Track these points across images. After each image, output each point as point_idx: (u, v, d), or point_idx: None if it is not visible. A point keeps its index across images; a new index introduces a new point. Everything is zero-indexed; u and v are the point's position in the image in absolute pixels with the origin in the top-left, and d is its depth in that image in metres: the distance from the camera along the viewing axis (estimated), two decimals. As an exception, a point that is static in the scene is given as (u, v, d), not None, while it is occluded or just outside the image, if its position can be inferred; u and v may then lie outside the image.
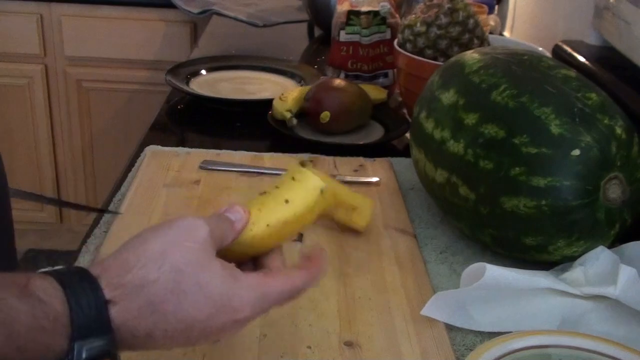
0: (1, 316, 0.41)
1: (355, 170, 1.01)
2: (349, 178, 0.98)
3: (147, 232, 0.50)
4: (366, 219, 0.82)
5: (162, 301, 0.46)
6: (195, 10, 1.99)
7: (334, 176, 0.97)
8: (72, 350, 0.43)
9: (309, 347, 0.64)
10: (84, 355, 0.44)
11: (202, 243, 0.49)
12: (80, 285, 0.45)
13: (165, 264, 0.47)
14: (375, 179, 0.98)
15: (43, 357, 0.43)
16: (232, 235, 0.53)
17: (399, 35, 1.17)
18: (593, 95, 0.74)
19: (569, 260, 0.74)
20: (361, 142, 1.11)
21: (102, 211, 0.80)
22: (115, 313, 0.45)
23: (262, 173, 0.97)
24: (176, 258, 0.47)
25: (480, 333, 0.68)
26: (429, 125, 0.83)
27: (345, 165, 1.02)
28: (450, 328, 0.69)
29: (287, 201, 0.55)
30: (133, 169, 0.97)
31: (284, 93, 1.18)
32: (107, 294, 0.45)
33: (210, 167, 0.96)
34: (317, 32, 1.86)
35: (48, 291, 0.44)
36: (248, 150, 1.05)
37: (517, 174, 0.72)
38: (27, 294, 0.43)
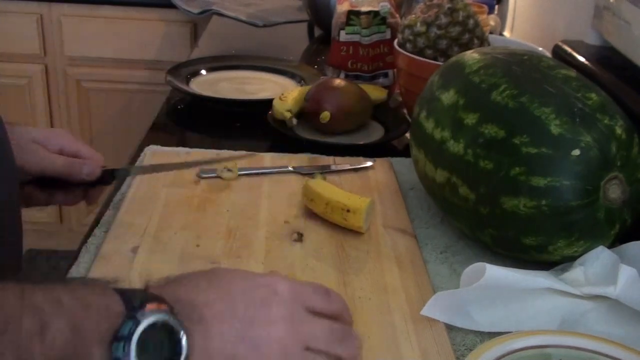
0: (68, 287, 0.48)
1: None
2: (343, 166, 1.01)
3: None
4: (361, 220, 0.82)
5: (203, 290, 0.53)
6: (195, 10, 1.99)
7: (328, 166, 1.00)
8: (129, 302, 0.49)
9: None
10: (140, 299, 0.49)
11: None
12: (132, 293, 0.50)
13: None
14: (369, 163, 1.00)
15: (109, 315, 0.48)
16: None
17: (399, 35, 1.17)
18: (593, 95, 0.74)
19: (569, 260, 0.74)
20: (361, 142, 1.11)
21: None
22: (154, 289, 0.52)
23: (262, 173, 0.97)
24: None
25: (480, 333, 0.68)
26: (429, 125, 0.83)
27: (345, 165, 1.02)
28: (450, 328, 0.69)
29: None
30: (133, 169, 0.97)
31: (284, 93, 1.18)
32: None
33: (205, 176, 0.95)
34: (317, 32, 1.86)
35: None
36: (248, 151, 1.05)
37: (517, 174, 0.72)
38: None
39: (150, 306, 0.48)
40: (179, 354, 0.48)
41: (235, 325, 0.52)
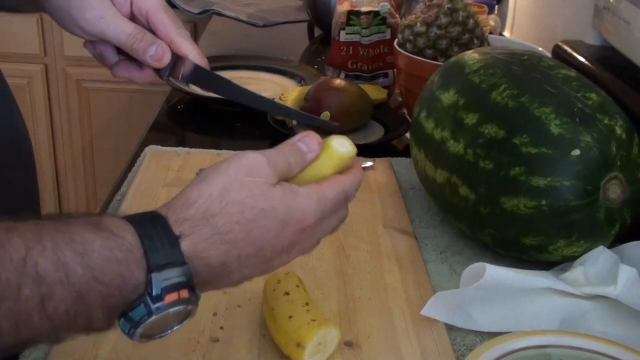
0: (78, 247, 0.43)
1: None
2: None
3: (206, 172, 0.51)
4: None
5: (229, 231, 0.48)
6: (195, 10, 1.99)
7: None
8: (150, 282, 0.45)
9: (309, 347, 0.64)
10: (162, 285, 0.45)
11: (263, 177, 0.51)
12: (150, 223, 0.47)
13: (226, 199, 0.49)
14: (369, 163, 1.00)
15: (121, 289, 0.44)
16: (300, 165, 0.55)
17: (399, 35, 1.17)
18: (593, 95, 0.74)
19: (569, 260, 0.74)
20: (361, 142, 1.11)
21: None
22: (186, 246, 0.47)
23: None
24: (237, 193, 0.49)
25: (480, 333, 0.68)
26: (429, 125, 0.83)
27: (345, 165, 1.02)
28: (450, 328, 0.69)
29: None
30: (133, 169, 0.97)
31: (284, 93, 1.18)
32: (176, 229, 0.47)
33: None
34: (317, 32, 1.86)
35: (119, 226, 0.46)
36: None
37: (517, 174, 0.72)
38: (100, 229, 0.45)
39: (169, 297, 0.45)
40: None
41: (257, 265, 0.51)
